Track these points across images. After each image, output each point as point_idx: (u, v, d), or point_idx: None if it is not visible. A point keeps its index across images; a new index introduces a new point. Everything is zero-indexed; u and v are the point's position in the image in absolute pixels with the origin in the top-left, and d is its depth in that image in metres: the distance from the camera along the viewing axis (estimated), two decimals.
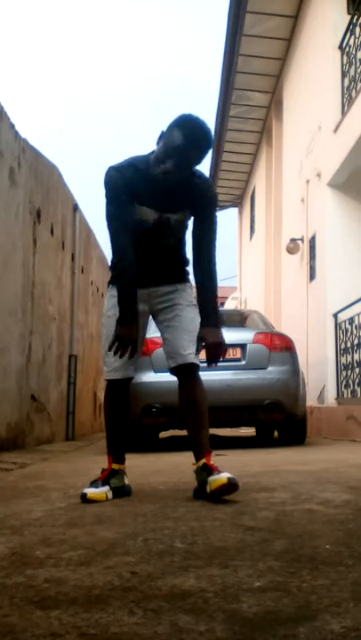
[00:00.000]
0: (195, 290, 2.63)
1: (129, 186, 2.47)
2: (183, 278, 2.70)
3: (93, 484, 2.51)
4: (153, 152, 2.50)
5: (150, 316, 2.72)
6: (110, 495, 2.48)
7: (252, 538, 1.71)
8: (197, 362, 2.57)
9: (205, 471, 2.41)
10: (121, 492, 2.54)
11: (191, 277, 2.70)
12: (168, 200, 2.52)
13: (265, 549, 1.57)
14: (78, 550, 1.61)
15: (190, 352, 2.54)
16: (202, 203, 2.56)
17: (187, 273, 2.72)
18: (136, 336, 2.51)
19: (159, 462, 4.27)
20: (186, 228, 2.67)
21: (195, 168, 2.53)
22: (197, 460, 2.49)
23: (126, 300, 2.49)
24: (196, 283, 2.59)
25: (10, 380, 5.56)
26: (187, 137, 2.36)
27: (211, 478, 2.33)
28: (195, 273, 2.60)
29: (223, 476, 2.29)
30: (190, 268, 2.69)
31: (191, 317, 2.60)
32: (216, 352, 2.52)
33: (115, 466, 2.58)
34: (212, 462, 2.44)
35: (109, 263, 2.68)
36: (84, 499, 2.41)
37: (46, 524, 2.02)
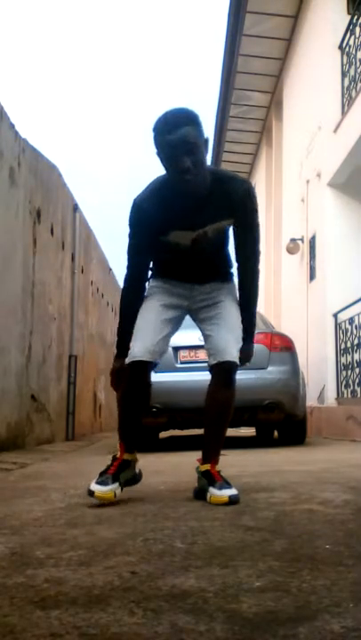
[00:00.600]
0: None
1: (155, 217, 2.38)
2: (227, 278, 2.63)
3: (102, 478, 2.37)
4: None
5: (187, 314, 2.64)
6: (119, 492, 2.36)
7: (252, 538, 1.70)
8: (237, 361, 2.50)
9: (207, 479, 2.40)
10: (132, 481, 2.48)
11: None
12: (203, 213, 2.39)
13: (265, 549, 1.57)
14: (78, 550, 1.61)
15: (231, 351, 2.46)
16: (242, 207, 2.42)
17: (231, 274, 2.65)
18: (120, 366, 2.51)
19: (159, 462, 4.27)
20: (227, 234, 2.56)
21: (222, 170, 2.49)
22: (203, 462, 2.48)
23: (120, 336, 2.56)
24: (239, 299, 2.60)
25: (10, 380, 5.56)
26: (158, 132, 2.25)
27: (213, 492, 2.32)
28: (238, 287, 2.60)
29: (224, 495, 2.28)
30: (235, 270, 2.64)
31: (236, 316, 2.56)
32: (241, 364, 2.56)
33: (127, 456, 2.45)
34: (216, 469, 2.43)
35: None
36: (91, 495, 2.32)
37: (46, 524, 2.02)
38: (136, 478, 2.52)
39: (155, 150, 2.31)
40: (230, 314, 2.55)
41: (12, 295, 5.69)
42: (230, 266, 2.66)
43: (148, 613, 1.11)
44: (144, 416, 2.66)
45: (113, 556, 1.54)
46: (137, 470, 2.53)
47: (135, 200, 2.44)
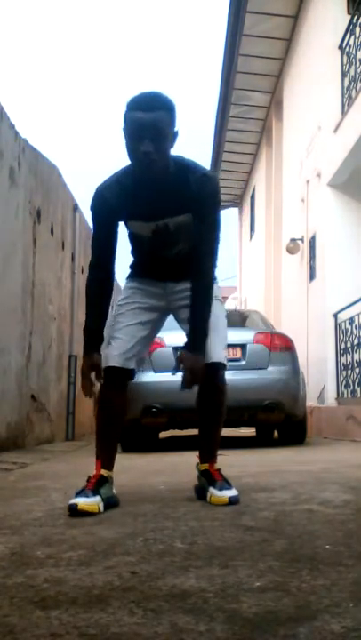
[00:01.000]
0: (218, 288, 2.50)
1: (115, 206, 2.32)
2: None
3: (82, 493, 2.18)
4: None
5: (168, 314, 2.57)
6: (102, 507, 2.16)
7: (252, 538, 1.71)
8: (224, 361, 2.42)
9: (206, 478, 2.40)
10: (110, 503, 2.24)
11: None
12: (163, 204, 2.30)
13: (265, 549, 1.57)
14: (78, 550, 1.61)
15: (215, 351, 2.36)
16: (199, 199, 2.27)
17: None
18: (91, 364, 2.37)
19: (159, 462, 4.27)
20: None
21: (188, 160, 2.31)
22: (201, 461, 2.48)
23: (85, 333, 2.48)
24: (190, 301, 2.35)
25: (10, 380, 5.56)
26: (132, 106, 2.17)
27: (213, 492, 2.31)
28: (191, 286, 2.36)
29: (224, 496, 2.27)
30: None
31: (217, 314, 2.41)
32: (192, 379, 2.29)
33: (103, 472, 2.29)
34: (215, 468, 2.43)
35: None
36: (74, 511, 2.10)
37: (46, 524, 2.01)
38: (114, 501, 2.29)
39: (121, 126, 2.22)
40: (214, 319, 2.39)
41: (11, 295, 5.69)
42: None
43: (148, 613, 1.12)
44: (121, 431, 2.53)
45: (113, 556, 1.54)
46: (114, 491, 2.32)
47: (97, 188, 2.37)
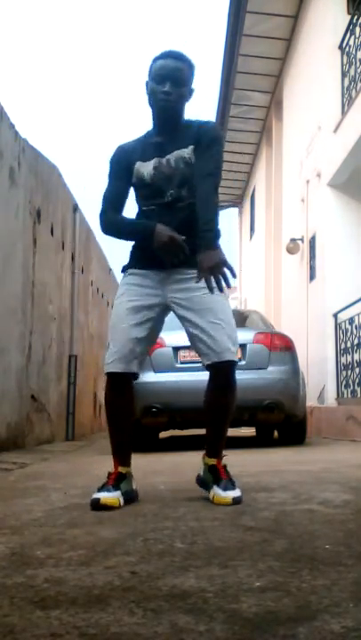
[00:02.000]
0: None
1: (128, 150, 2.51)
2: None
3: (104, 488, 2.30)
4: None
5: (168, 311, 2.50)
6: (122, 501, 2.29)
7: (252, 538, 1.71)
8: (235, 359, 2.39)
9: (213, 474, 2.41)
10: (129, 497, 2.36)
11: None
12: (168, 143, 2.45)
13: (265, 549, 1.57)
14: (78, 550, 1.61)
15: (229, 349, 2.34)
16: (204, 139, 2.43)
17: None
18: (170, 232, 2.29)
19: (159, 462, 4.27)
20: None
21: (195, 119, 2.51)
22: (209, 455, 2.48)
23: (138, 228, 2.47)
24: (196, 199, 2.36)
25: (10, 380, 5.56)
26: (160, 57, 2.46)
27: (217, 492, 2.33)
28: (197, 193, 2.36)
29: (228, 497, 2.29)
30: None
31: (228, 312, 2.38)
32: (215, 276, 2.21)
33: (121, 469, 2.40)
34: (223, 465, 2.44)
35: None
36: (97, 505, 2.21)
37: (46, 524, 2.02)
38: (133, 495, 2.40)
39: (146, 80, 2.50)
40: (220, 306, 2.36)
41: (11, 295, 5.69)
42: (215, 236, 2.34)
43: (148, 613, 1.11)
44: (132, 427, 2.54)
45: (113, 556, 1.54)
46: (134, 486, 2.44)
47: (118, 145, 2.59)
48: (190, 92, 2.50)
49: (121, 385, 2.43)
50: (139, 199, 2.53)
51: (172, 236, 2.31)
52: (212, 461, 2.45)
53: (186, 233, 2.33)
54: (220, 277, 2.22)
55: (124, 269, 2.54)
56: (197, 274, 2.24)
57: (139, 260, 2.49)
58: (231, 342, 2.36)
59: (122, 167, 2.50)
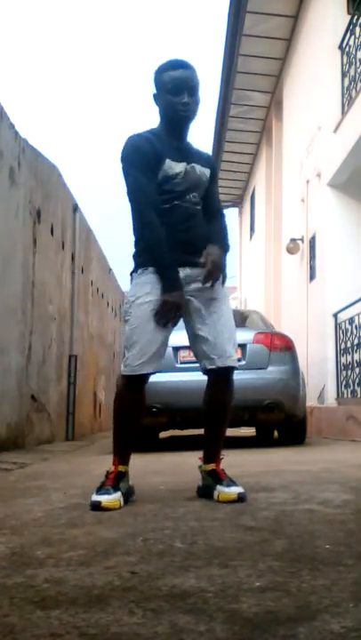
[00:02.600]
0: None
1: (153, 146, 2.44)
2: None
3: (103, 490, 2.30)
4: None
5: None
6: (122, 502, 2.29)
7: (252, 538, 1.71)
8: (236, 364, 2.47)
9: (213, 477, 2.42)
10: (128, 495, 2.38)
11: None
12: (188, 152, 2.53)
13: (265, 549, 1.57)
14: (78, 550, 1.61)
15: (231, 354, 2.43)
16: (214, 173, 2.62)
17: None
18: (183, 302, 2.37)
19: (159, 462, 4.27)
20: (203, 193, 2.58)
21: None
22: (207, 461, 2.49)
23: (167, 268, 2.37)
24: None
25: (10, 380, 5.56)
26: (168, 68, 2.45)
27: (221, 489, 2.35)
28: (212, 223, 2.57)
29: (233, 492, 2.31)
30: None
31: (229, 315, 2.50)
32: (213, 272, 2.40)
33: (121, 468, 2.40)
34: (221, 468, 2.45)
35: (135, 245, 2.50)
36: (98, 507, 2.21)
37: (46, 524, 2.02)
38: (130, 492, 2.41)
39: (153, 92, 2.51)
40: (225, 312, 2.49)
41: (11, 295, 5.69)
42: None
43: (148, 613, 1.11)
44: (139, 426, 2.59)
45: (113, 556, 1.54)
46: (130, 483, 2.44)
47: (128, 140, 2.48)
48: (198, 102, 2.55)
49: (140, 385, 2.46)
50: (163, 188, 2.47)
51: (181, 305, 2.38)
52: (211, 466, 2.46)
53: (200, 234, 2.48)
54: (216, 275, 2.42)
55: (140, 266, 2.45)
56: (204, 261, 2.41)
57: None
58: (234, 349, 2.48)
59: (150, 158, 2.42)
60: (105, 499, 2.24)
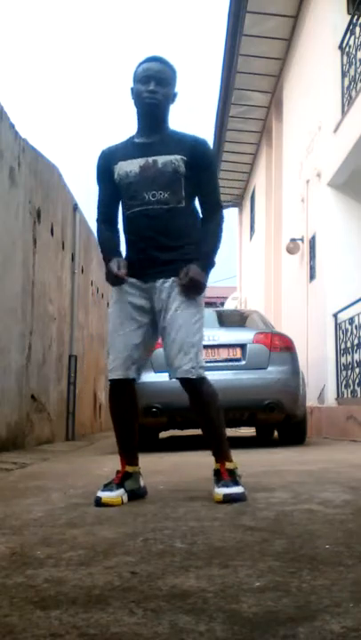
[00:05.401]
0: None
1: (113, 151, 2.56)
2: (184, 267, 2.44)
3: (108, 487, 2.41)
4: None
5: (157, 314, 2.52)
6: (125, 498, 2.39)
7: (252, 538, 1.71)
8: (191, 374, 2.41)
9: (216, 476, 2.46)
10: (136, 494, 2.46)
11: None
12: (156, 145, 2.49)
13: (265, 549, 1.57)
14: (78, 550, 1.61)
15: (180, 365, 2.41)
16: (202, 159, 2.50)
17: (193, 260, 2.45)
18: (117, 269, 2.44)
19: (159, 462, 4.27)
20: (182, 185, 2.46)
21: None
22: (215, 460, 2.52)
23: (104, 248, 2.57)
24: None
25: (10, 380, 5.56)
26: (143, 61, 2.54)
27: (214, 490, 2.39)
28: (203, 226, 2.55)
29: (219, 493, 2.33)
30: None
31: (181, 323, 2.42)
32: (191, 287, 2.42)
33: (128, 468, 2.50)
34: (226, 467, 2.47)
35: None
36: (99, 503, 2.32)
37: (46, 523, 2.02)
38: (141, 491, 2.51)
39: (130, 86, 2.56)
40: (179, 321, 2.42)
41: (12, 295, 5.69)
42: (191, 249, 2.48)
43: (148, 613, 1.11)
44: (136, 427, 2.62)
45: (113, 556, 1.54)
46: (141, 484, 2.54)
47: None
48: (174, 95, 2.58)
49: (121, 390, 2.54)
50: (123, 203, 2.56)
51: (112, 273, 2.47)
52: (216, 466, 2.50)
53: (166, 241, 2.46)
54: (193, 294, 2.44)
55: None
56: (180, 276, 2.42)
57: (128, 262, 2.54)
58: (187, 357, 2.42)
59: (105, 170, 2.57)
60: (106, 495, 2.35)
